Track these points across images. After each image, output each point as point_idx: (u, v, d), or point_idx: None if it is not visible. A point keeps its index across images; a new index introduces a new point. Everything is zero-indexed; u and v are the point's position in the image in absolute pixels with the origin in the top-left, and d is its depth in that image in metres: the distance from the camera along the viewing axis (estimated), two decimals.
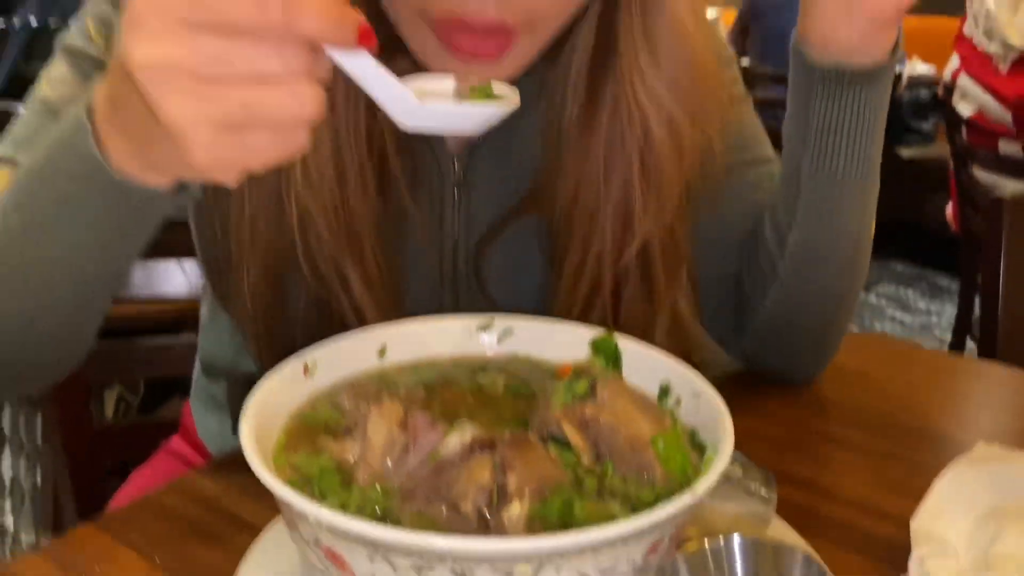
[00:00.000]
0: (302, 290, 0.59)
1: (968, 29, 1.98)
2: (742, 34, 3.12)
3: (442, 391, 0.49)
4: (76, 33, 0.59)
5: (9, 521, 1.99)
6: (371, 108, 0.54)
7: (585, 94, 0.59)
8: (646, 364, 0.49)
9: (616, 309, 0.62)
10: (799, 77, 0.60)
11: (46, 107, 0.56)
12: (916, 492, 0.52)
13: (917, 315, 3.25)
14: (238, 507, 0.52)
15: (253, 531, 0.47)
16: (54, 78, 0.57)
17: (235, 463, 0.57)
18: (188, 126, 0.35)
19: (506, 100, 0.45)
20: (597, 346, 0.51)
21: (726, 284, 0.69)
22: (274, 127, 0.36)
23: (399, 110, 0.41)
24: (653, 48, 0.57)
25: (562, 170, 0.61)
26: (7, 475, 2.08)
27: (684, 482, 0.40)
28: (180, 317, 1.04)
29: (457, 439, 0.39)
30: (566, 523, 0.37)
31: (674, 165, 0.59)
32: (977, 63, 1.94)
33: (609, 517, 0.38)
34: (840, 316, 0.67)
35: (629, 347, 0.50)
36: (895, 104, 3.64)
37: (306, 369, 0.48)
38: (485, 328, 0.53)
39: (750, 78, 2.74)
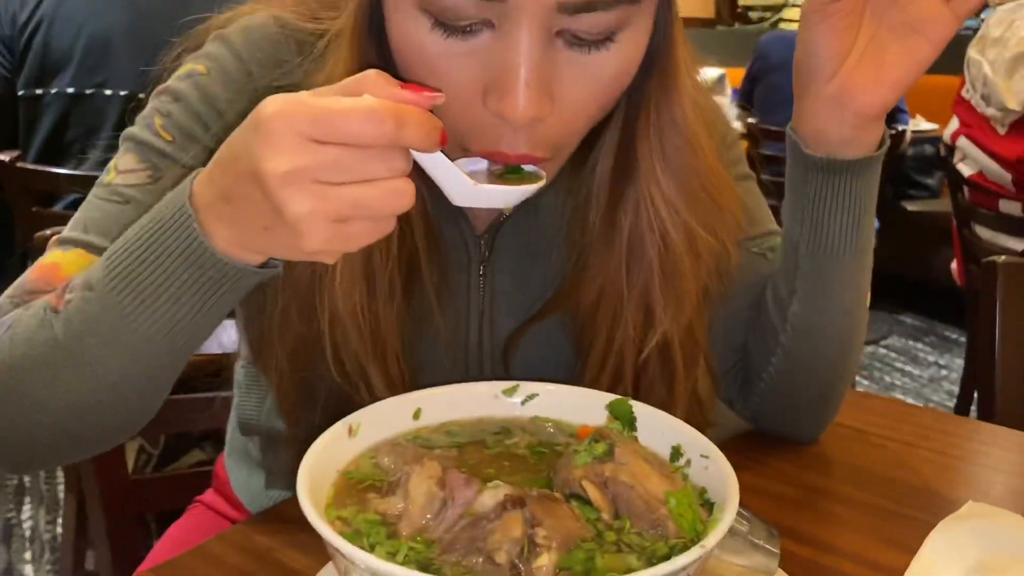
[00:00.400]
0: (326, 381, 0.63)
1: (966, 93, 2.04)
2: (750, 92, 3.20)
3: (472, 451, 0.54)
4: (142, 127, 0.64)
5: (29, 570, 2.02)
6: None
7: (607, 199, 0.64)
8: (659, 427, 0.53)
9: (636, 397, 0.66)
10: (794, 163, 0.65)
11: (117, 194, 0.61)
12: (911, 546, 0.56)
13: (927, 368, 3.27)
14: (285, 557, 0.57)
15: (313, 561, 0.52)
16: (123, 168, 0.62)
17: (280, 516, 0.62)
18: (307, 221, 0.43)
19: (536, 177, 0.54)
20: (614, 410, 0.56)
21: (734, 351, 0.74)
22: (375, 218, 0.44)
23: (456, 191, 0.49)
24: (668, 161, 0.62)
25: (587, 271, 0.65)
26: (27, 525, 2.11)
27: (695, 536, 0.44)
28: (212, 372, 1.10)
29: (491, 496, 0.44)
30: (588, 573, 0.41)
31: (691, 269, 0.64)
32: (976, 125, 1.99)
33: (627, 569, 0.42)
34: (839, 382, 0.71)
35: (643, 411, 0.55)
36: (900, 160, 3.73)
37: (350, 431, 0.53)
38: (510, 393, 0.58)
39: (755, 134, 2.82)
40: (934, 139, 3.63)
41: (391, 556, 0.42)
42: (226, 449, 0.88)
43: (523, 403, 0.58)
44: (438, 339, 0.66)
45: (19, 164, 1.59)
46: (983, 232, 2.07)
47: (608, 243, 0.64)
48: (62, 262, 0.59)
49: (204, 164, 0.56)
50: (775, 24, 5.89)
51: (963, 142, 2.02)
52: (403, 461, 0.50)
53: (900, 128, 2.79)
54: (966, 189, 2.11)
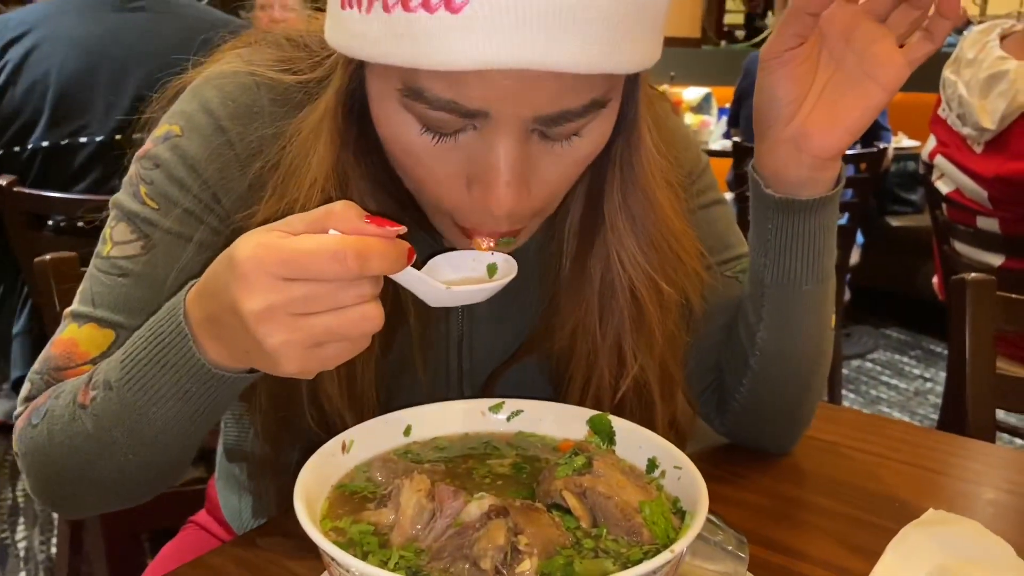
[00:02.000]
0: (305, 426, 0.66)
1: (943, 112, 2.08)
2: (737, 111, 3.26)
3: (459, 464, 0.57)
4: (129, 196, 0.67)
5: None
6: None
7: (577, 249, 0.67)
8: (636, 441, 0.57)
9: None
10: (756, 201, 0.69)
11: (116, 268, 0.65)
12: (877, 552, 0.59)
13: (912, 381, 3.31)
14: (282, 570, 0.59)
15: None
16: (118, 240, 0.66)
17: (276, 529, 0.65)
18: (283, 349, 0.48)
19: (508, 271, 0.58)
20: (594, 424, 0.59)
21: (709, 370, 0.77)
22: (348, 339, 0.48)
23: (430, 297, 0.54)
24: (631, 213, 0.65)
25: (559, 315, 0.68)
26: (22, 545, 2.12)
27: (667, 543, 0.47)
28: None
29: (477, 507, 0.47)
30: None
31: (657, 318, 0.67)
32: (953, 144, 2.03)
33: (603, 573, 0.45)
34: (808, 399, 0.75)
35: (621, 425, 0.58)
36: (883, 176, 3.78)
37: (344, 447, 0.56)
38: (496, 410, 0.61)
39: (740, 152, 2.87)
40: (917, 156, 3.69)
41: (383, 564, 0.45)
42: (216, 472, 0.91)
43: (508, 419, 0.61)
44: (416, 388, 0.69)
45: (15, 189, 1.62)
46: (962, 248, 2.12)
47: (579, 289, 0.67)
48: (78, 338, 0.65)
49: (185, 226, 0.64)
50: (762, 43, 5.99)
51: (940, 160, 2.06)
52: (394, 475, 0.53)
53: (882, 146, 2.84)
54: (944, 206, 2.15)
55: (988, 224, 1.98)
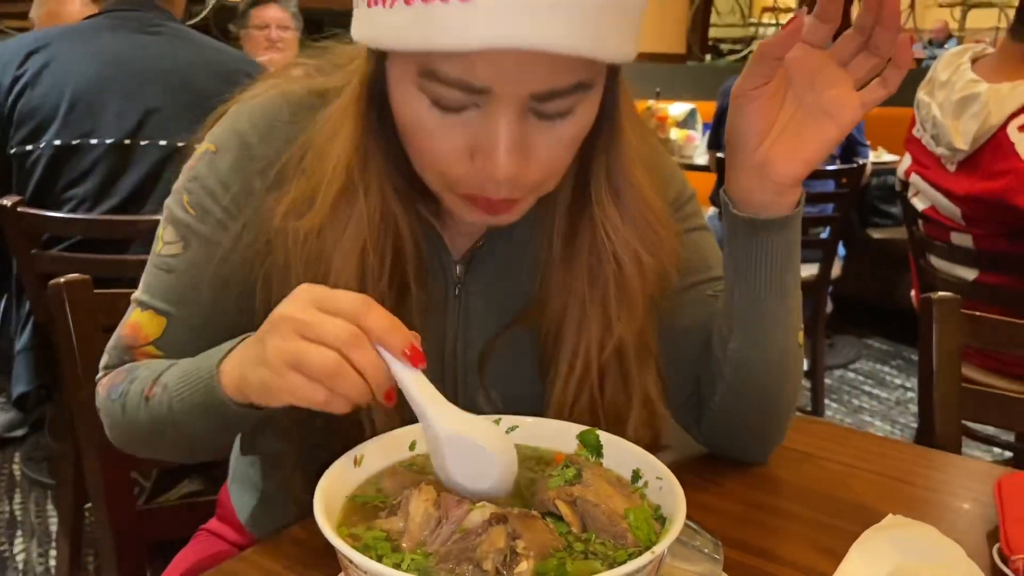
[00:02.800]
0: (319, 424, 0.72)
1: (917, 132, 2.14)
2: (717, 131, 3.34)
3: None
4: (176, 203, 0.78)
5: None
6: (398, 242, 0.72)
7: (567, 230, 0.75)
8: (621, 453, 0.62)
9: (601, 395, 0.76)
10: (726, 220, 0.76)
11: (164, 264, 0.77)
12: (842, 554, 0.65)
13: (894, 391, 3.39)
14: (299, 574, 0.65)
15: None
16: (166, 240, 0.78)
17: (291, 539, 0.70)
18: (270, 351, 0.59)
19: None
20: (583, 439, 0.64)
21: (690, 382, 0.83)
22: (321, 384, 0.57)
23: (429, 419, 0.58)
24: (616, 197, 0.73)
25: (551, 287, 0.75)
26: (20, 558, 2.15)
27: (650, 545, 0.53)
28: None
29: (479, 514, 0.52)
30: None
31: (639, 285, 0.75)
32: (927, 163, 2.09)
33: (592, 573, 0.51)
34: (779, 410, 0.81)
35: (608, 439, 0.63)
36: (864, 191, 3.86)
37: (356, 461, 0.61)
38: (495, 425, 0.67)
39: (722, 168, 2.94)
40: (895, 171, 3.78)
41: (396, 566, 0.51)
42: (229, 476, 0.96)
43: (506, 433, 0.67)
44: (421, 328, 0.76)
45: (19, 208, 1.67)
46: (937, 262, 2.19)
47: (570, 260, 0.75)
48: (141, 322, 0.78)
49: (214, 233, 0.74)
50: (746, 58, 6.09)
51: (915, 178, 2.12)
52: (402, 485, 0.58)
53: (861, 162, 2.92)
54: (920, 222, 2.22)
55: (962, 240, 2.04)
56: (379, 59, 0.67)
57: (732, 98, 0.71)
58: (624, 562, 0.51)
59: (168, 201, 0.78)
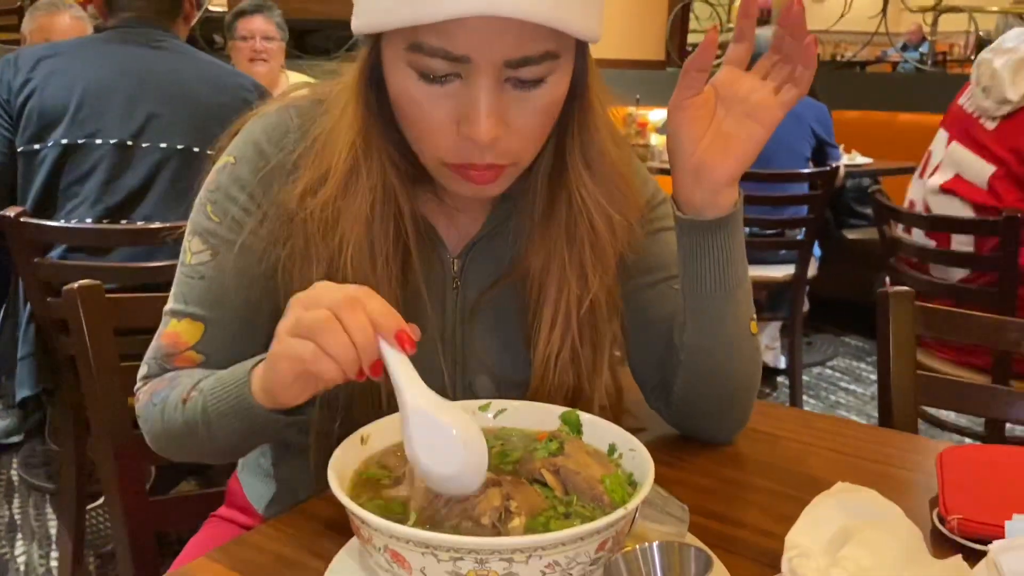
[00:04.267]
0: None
1: (964, 98, 2.19)
2: None
3: None
4: (200, 214, 0.85)
5: None
6: (398, 212, 0.81)
7: (547, 197, 0.84)
8: (599, 430, 0.70)
9: (580, 346, 0.85)
10: (675, 221, 0.84)
11: (195, 272, 0.84)
12: (796, 519, 0.73)
13: (869, 386, 3.49)
14: (311, 544, 0.72)
15: (326, 559, 0.67)
16: (194, 251, 0.85)
17: (305, 515, 0.77)
18: (283, 351, 0.65)
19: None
20: (565, 418, 0.72)
21: (657, 369, 0.92)
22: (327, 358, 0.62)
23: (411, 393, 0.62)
24: (589, 166, 0.82)
25: (533, 246, 0.85)
26: (21, 560, 2.20)
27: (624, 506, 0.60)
28: None
29: None
30: (547, 531, 0.58)
31: (610, 242, 0.84)
32: (967, 125, 2.11)
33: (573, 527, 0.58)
34: (735, 394, 0.89)
35: (586, 418, 0.71)
36: (839, 192, 3.95)
37: (362, 440, 0.69)
38: (485, 409, 0.75)
39: None
40: (871, 172, 3.89)
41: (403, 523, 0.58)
42: (239, 467, 1.04)
43: (495, 416, 0.75)
44: (424, 313, 0.84)
45: (22, 219, 1.73)
46: (912, 263, 2.29)
47: (550, 221, 0.83)
48: (179, 330, 0.84)
49: (233, 232, 0.82)
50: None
51: (950, 149, 2.14)
52: (403, 461, 0.66)
53: (833, 164, 3.02)
54: (895, 225, 2.31)
55: (964, 243, 2.10)
56: (374, 45, 0.76)
57: (668, 110, 0.81)
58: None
59: (192, 216, 0.86)
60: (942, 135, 2.18)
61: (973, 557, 0.65)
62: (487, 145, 0.72)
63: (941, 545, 0.73)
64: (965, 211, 2.09)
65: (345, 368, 0.61)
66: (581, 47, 0.77)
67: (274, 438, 0.80)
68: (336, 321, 0.61)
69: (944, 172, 2.12)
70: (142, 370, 0.87)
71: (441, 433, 0.60)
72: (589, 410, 0.82)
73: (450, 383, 0.88)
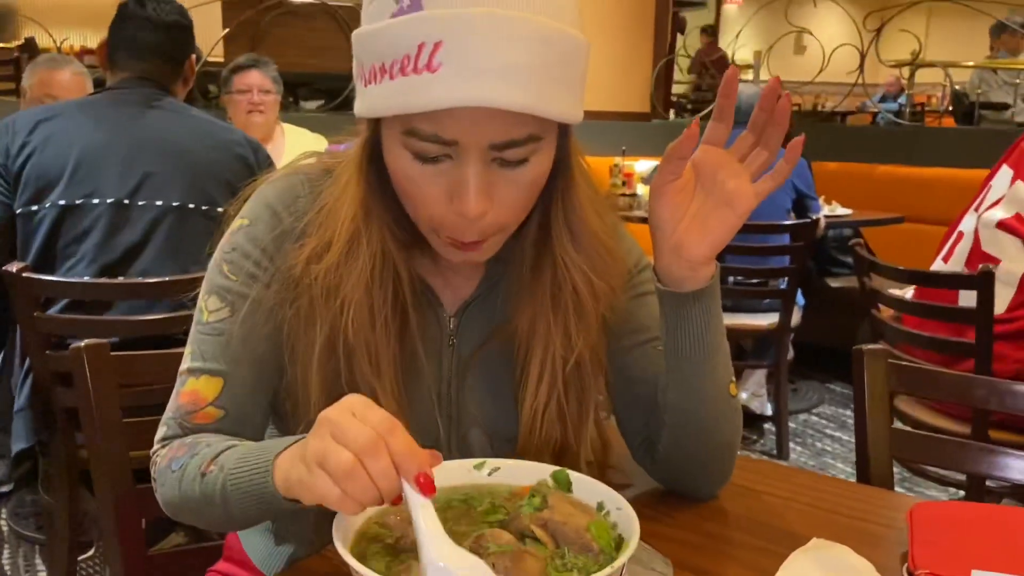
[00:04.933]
0: None
1: None
2: None
3: (449, 512, 0.74)
4: (216, 273, 0.89)
5: None
6: (396, 277, 0.86)
7: (532, 264, 0.89)
8: (587, 488, 0.75)
9: (567, 402, 0.90)
10: (656, 292, 0.90)
11: (213, 329, 0.87)
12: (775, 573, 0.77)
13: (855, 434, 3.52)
14: None
15: None
16: (211, 309, 0.88)
17: (301, 572, 0.80)
18: (311, 444, 0.67)
19: None
20: (555, 476, 0.77)
21: (643, 427, 0.97)
22: (335, 480, 0.64)
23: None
24: (572, 236, 0.88)
25: (520, 308, 0.90)
26: (8, 570, 2.19)
27: (612, 550, 0.65)
28: None
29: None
30: None
31: (592, 306, 0.89)
32: None
33: None
34: (716, 452, 0.93)
35: (576, 477, 0.76)
36: (822, 242, 4.04)
37: None
38: (479, 467, 0.79)
39: None
40: (852, 223, 3.99)
41: None
42: None
43: (489, 474, 0.79)
44: (421, 372, 0.90)
45: (24, 274, 1.77)
46: (886, 312, 2.35)
47: (535, 287, 0.88)
48: (199, 387, 0.87)
49: (247, 288, 0.87)
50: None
51: (1019, 186, 2.07)
52: (405, 521, 0.69)
53: (813, 216, 3.11)
54: (872, 273, 2.37)
55: (968, 299, 2.11)
56: (374, 127, 0.82)
57: (650, 191, 0.87)
58: (597, 571, 0.62)
59: (207, 276, 0.90)
60: (1006, 172, 2.14)
61: None
62: (475, 219, 0.77)
63: None
64: (1017, 250, 2.05)
65: (365, 506, 0.65)
66: (563, 128, 0.82)
67: (290, 514, 0.83)
68: (361, 469, 0.63)
69: (1006, 208, 2.09)
70: (160, 431, 0.89)
71: None
72: (576, 463, 0.87)
73: (445, 437, 0.92)
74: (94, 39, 6.74)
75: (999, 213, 2.09)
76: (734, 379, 0.93)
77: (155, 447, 0.89)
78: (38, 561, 2.39)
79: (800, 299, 3.34)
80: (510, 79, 0.71)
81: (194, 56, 2.13)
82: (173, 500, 0.85)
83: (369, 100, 0.78)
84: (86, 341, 1.15)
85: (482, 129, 0.74)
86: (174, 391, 0.89)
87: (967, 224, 2.19)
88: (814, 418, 3.72)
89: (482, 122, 0.74)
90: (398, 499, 0.65)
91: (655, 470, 0.98)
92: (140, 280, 1.87)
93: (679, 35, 6.29)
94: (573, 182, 0.86)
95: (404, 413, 0.86)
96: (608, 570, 0.61)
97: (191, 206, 1.95)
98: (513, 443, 0.91)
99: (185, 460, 0.83)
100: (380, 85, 0.75)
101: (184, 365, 0.89)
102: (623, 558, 0.63)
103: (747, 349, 3.55)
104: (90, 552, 2.37)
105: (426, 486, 0.63)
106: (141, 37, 1.99)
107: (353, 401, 0.67)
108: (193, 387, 0.87)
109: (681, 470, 0.95)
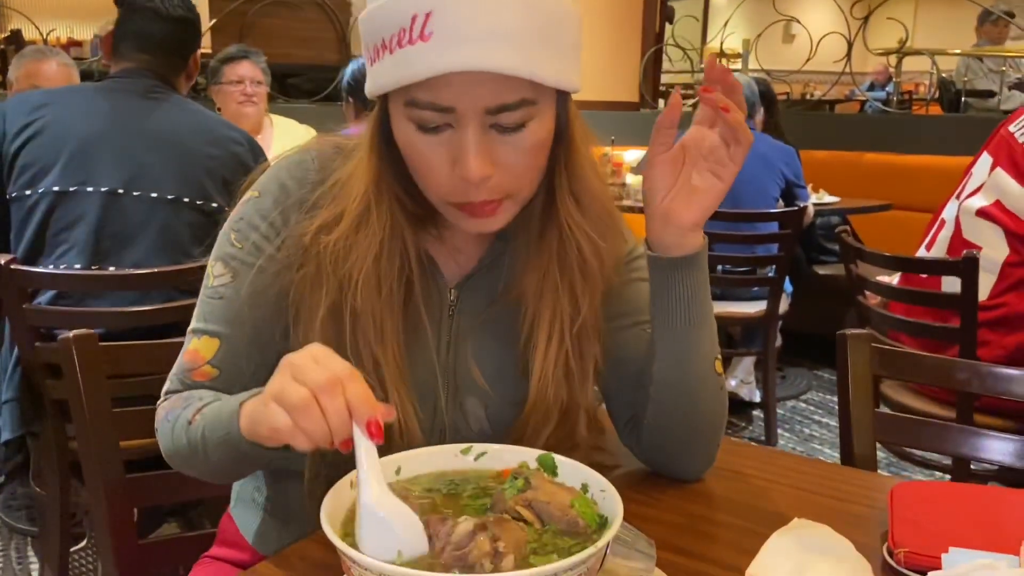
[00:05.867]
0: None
1: (1014, 126, 2.13)
2: None
3: (437, 496, 0.75)
4: (224, 242, 0.93)
5: None
6: (404, 249, 0.90)
7: (539, 228, 0.92)
8: (571, 471, 0.76)
9: (574, 362, 0.93)
10: (647, 260, 0.93)
11: (216, 294, 0.92)
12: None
13: None
14: None
15: None
16: (216, 274, 0.93)
17: (297, 556, 0.82)
18: (272, 384, 0.71)
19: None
20: (541, 460, 0.78)
21: (629, 406, 0.99)
22: (291, 415, 0.69)
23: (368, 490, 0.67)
24: (576, 199, 0.91)
25: (527, 271, 0.93)
26: None
27: (597, 526, 0.67)
28: None
29: (464, 528, 0.65)
30: (529, 567, 0.63)
31: (597, 267, 0.92)
32: (1014, 156, 2.05)
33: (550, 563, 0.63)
34: (700, 428, 0.95)
35: (561, 460, 0.77)
36: (810, 230, 4.05)
37: (352, 484, 0.74)
38: (467, 452, 0.80)
39: None
40: (839, 210, 4.01)
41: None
42: (232, 502, 1.08)
43: (476, 459, 0.80)
44: (423, 339, 0.93)
45: (12, 266, 1.77)
46: (872, 299, 2.37)
47: (542, 250, 0.91)
48: (198, 347, 0.92)
49: (252, 256, 0.91)
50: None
51: (997, 173, 2.08)
52: None
53: (801, 204, 3.12)
54: (858, 263, 2.39)
55: (951, 285, 2.13)
56: (383, 104, 0.86)
57: (645, 162, 0.89)
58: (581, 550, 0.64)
59: (216, 245, 0.94)
60: (986, 159, 2.15)
61: None
62: (478, 182, 0.80)
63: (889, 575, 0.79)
64: (997, 237, 2.06)
65: (316, 444, 0.69)
66: (562, 97, 0.85)
67: (264, 465, 0.86)
68: (315, 404, 0.67)
69: (985, 196, 2.10)
70: (166, 385, 0.94)
71: (386, 532, 0.66)
72: (577, 420, 0.92)
73: (441, 404, 0.95)
74: (81, 31, 6.71)
75: (979, 201, 2.10)
76: (720, 357, 0.95)
77: (160, 399, 0.94)
78: (30, 553, 2.39)
79: (788, 287, 3.35)
80: (497, 43, 0.74)
81: (199, 52, 2.13)
82: (168, 449, 0.90)
83: (374, 78, 0.82)
84: (74, 331, 1.16)
85: (476, 93, 0.77)
86: (182, 348, 0.94)
87: (949, 212, 2.21)
88: (802, 405, 3.75)
89: (474, 87, 0.77)
90: (347, 443, 0.68)
91: (641, 450, 1.00)
92: (128, 271, 1.87)
93: (667, 24, 6.28)
94: (576, 149, 0.89)
95: (405, 380, 0.90)
96: (592, 549, 0.62)
97: (185, 200, 1.95)
98: (520, 406, 0.93)
99: (178, 412, 0.88)
100: (382, 61, 0.80)
101: (191, 325, 0.94)
102: (606, 536, 0.64)
103: (736, 337, 3.57)
104: (82, 544, 2.37)
105: (376, 432, 0.67)
106: (148, 29, 1.99)
107: (316, 349, 0.71)
108: (195, 346, 0.92)
109: (665, 448, 0.97)
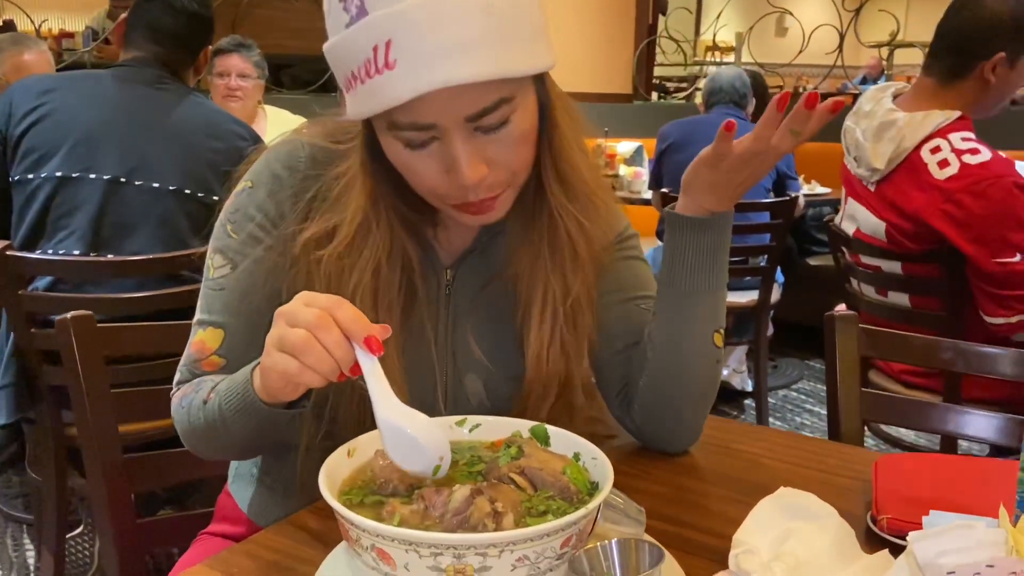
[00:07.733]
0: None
1: (846, 159, 2.33)
2: (658, 171, 3.54)
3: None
4: (220, 234, 0.95)
5: None
6: (406, 258, 0.92)
7: (529, 211, 0.93)
8: (564, 441, 0.78)
9: (569, 336, 0.95)
10: (666, 222, 0.95)
11: (216, 285, 0.94)
12: None
13: None
14: (301, 552, 0.78)
15: (315, 564, 0.74)
16: (215, 266, 0.94)
17: (295, 526, 0.84)
18: (270, 337, 0.73)
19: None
20: (534, 431, 0.80)
21: (620, 378, 1.01)
22: (297, 357, 0.71)
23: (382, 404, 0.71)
24: (561, 180, 0.92)
25: (520, 254, 0.95)
26: None
27: (588, 491, 0.68)
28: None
29: (460, 494, 0.67)
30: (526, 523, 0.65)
31: (585, 248, 0.94)
32: (855, 184, 2.27)
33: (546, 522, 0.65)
34: (694, 396, 0.97)
35: (553, 431, 0.79)
36: (801, 221, 4.07)
37: (349, 453, 0.75)
38: (461, 424, 0.82)
39: (666, 203, 3.14)
40: (830, 201, 4.03)
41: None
42: (230, 478, 1.10)
43: (470, 431, 0.82)
44: (416, 317, 0.95)
45: (8, 252, 1.78)
46: (864, 288, 2.39)
47: (531, 235, 0.93)
48: (204, 338, 0.94)
49: (249, 247, 0.93)
50: (690, 96, 6.37)
51: (850, 202, 2.29)
52: (389, 467, 0.72)
53: (792, 195, 3.15)
54: (846, 250, 2.42)
55: (891, 267, 2.21)
56: (368, 125, 0.87)
57: (693, 162, 0.90)
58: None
59: (213, 237, 0.96)
60: (844, 188, 2.31)
61: (899, 552, 0.72)
62: (474, 186, 0.82)
63: (873, 542, 0.81)
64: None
65: (327, 377, 0.71)
66: (538, 78, 0.85)
67: (283, 432, 0.87)
68: (314, 341, 0.70)
69: (848, 223, 2.27)
70: (176, 376, 0.96)
71: (408, 441, 0.71)
72: (574, 392, 0.95)
73: (441, 381, 0.97)
74: (72, 22, 6.69)
75: (847, 226, 2.22)
76: (722, 331, 0.97)
77: (172, 389, 0.96)
78: (26, 540, 2.40)
79: (780, 277, 3.38)
80: (462, 54, 0.75)
81: (209, 49, 2.14)
82: (186, 432, 0.92)
83: (353, 106, 0.83)
84: (72, 313, 1.17)
85: (453, 106, 0.78)
86: (188, 340, 0.96)
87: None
88: (793, 394, 3.78)
89: (450, 101, 0.77)
90: (356, 368, 0.71)
91: (630, 422, 1.02)
92: (124, 258, 1.88)
93: (660, 16, 6.29)
94: (556, 127, 0.90)
95: (402, 360, 0.92)
96: (583, 510, 0.64)
97: (187, 192, 1.96)
98: (518, 381, 0.96)
99: (191, 396, 0.91)
100: (355, 91, 0.80)
101: (195, 317, 0.96)
102: (598, 499, 0.66)
103: (728, 326, 3.59)
104: (78, 530, 2.39)
105: (374, 346, 0.70)
106: (161, 21, 2.00)
107: (303, 295, 0.73)
108: (201, 337, 0.94)
109: (656, 417, 0.99)
